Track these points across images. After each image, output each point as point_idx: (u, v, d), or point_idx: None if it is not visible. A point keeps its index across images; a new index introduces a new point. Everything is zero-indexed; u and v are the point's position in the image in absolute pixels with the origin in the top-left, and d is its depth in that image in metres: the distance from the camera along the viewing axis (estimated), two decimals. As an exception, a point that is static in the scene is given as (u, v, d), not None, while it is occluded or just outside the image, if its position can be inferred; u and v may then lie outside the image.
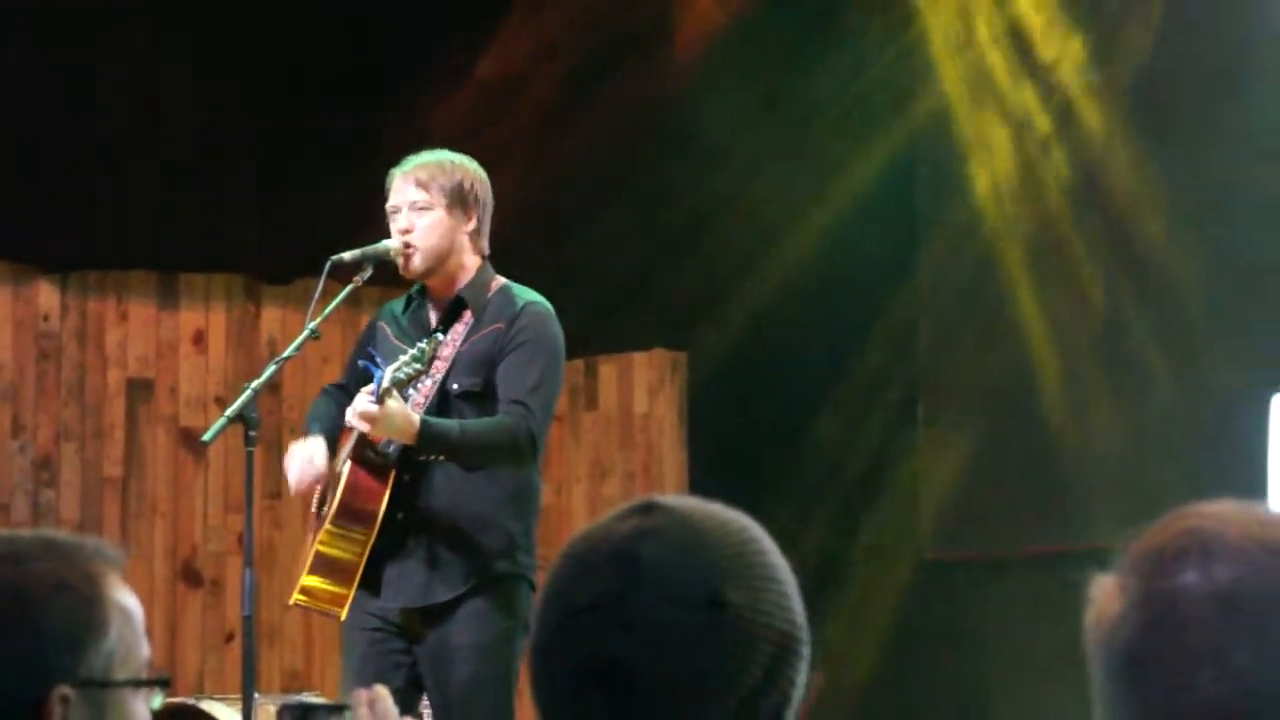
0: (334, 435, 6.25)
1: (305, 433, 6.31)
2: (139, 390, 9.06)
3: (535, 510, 6.24)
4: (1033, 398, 9.05)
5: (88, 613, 2.47)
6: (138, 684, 2.51)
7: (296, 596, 6.19)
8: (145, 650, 2.54)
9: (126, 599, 2.51)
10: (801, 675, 2.21)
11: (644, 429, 9.58)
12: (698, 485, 9.39)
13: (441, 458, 6.00)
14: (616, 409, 9.58)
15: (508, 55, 9.04)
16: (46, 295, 8.94)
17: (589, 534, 2.24)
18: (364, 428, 5.87)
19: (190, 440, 9.02)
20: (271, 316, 9.22)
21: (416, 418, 5.88)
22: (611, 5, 9.20)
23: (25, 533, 2.59)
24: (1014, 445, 9.14)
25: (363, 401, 5.82)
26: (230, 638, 8.63)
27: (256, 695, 5.87)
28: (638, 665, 2.15)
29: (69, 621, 2.46)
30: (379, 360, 5.94)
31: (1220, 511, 1.83)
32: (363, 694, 2.68)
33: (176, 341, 9.12)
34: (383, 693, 2.68)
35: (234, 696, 6.03)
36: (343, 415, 6.18)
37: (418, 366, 5.82)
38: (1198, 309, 8.62)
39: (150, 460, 9.03)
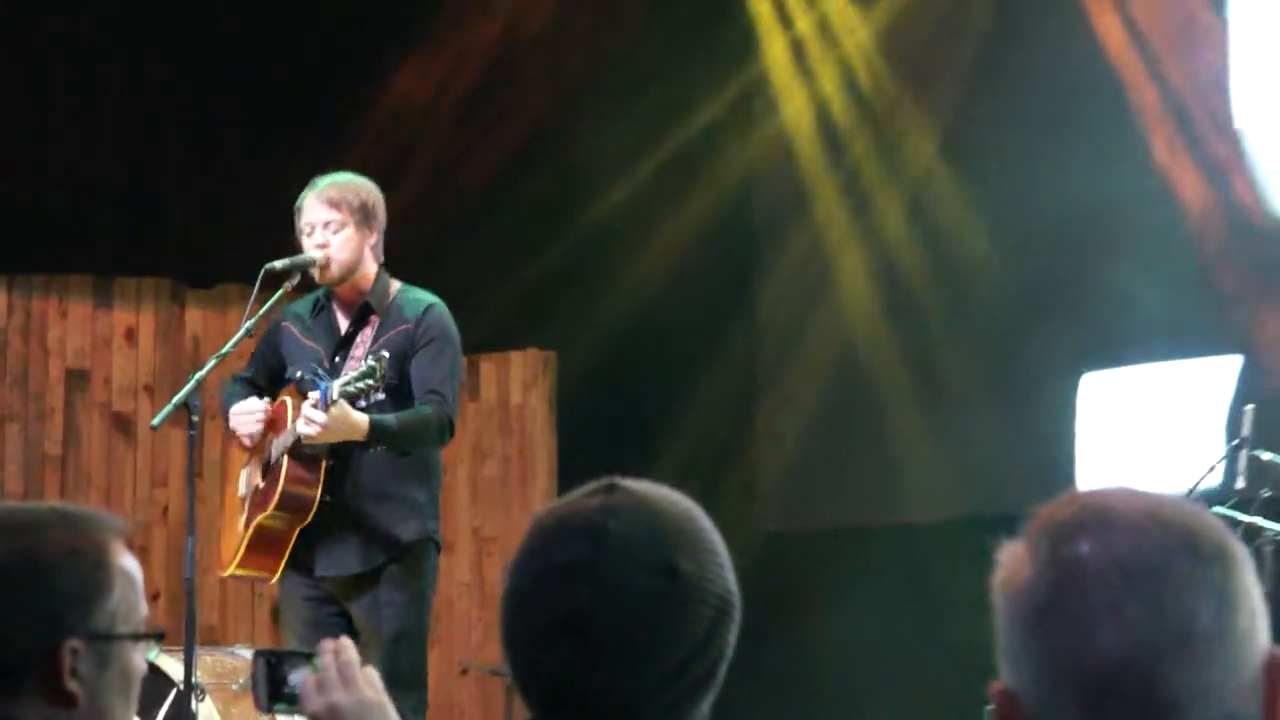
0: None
1: (224, 416, 6.31)
2: (76, 379, 9.03)
3: (438, 482, 6.30)
4: (862, 389, 9.13)
5: (95, 575, 2.45)
6: (137, 638, 2.49)
7: (234, 570, 6.27)
8: (143, 608, 2.51)
9: (128, 563, 2.49)
10: (734, 636, 2.23)
11: (519, 418, 9.60)
12: (565, 468, 9.45)
13: (382, 447, 6.03)
14: (495, 400, 9.58)
15: (409, 86, 9.01)
16: (-8, 295, 8.91)
17: (559, 508, 2.25)
18: (312, 433, 5.84)
19: (122, 424, 9.02)
20: (195, 316, 9.18)
21: (364, 419, 5.89)
22: (500, 43, 9.24)
23: (40, 504, 2.57)
24: (845, 432, 9.19)
25: (314, 414, 5.79)
26: (156, 596, 8.55)
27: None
28: (603, 619, 2.16)
29: (79, 583, 2.44)
30: (321, 373, 6.00)
31: (1113, 491, 1.83)
32: (329, 643, 2.66)
33: (110, 337, 9.09)
34: (346, 642, 2.66)
35: (168, 648, 6.03)
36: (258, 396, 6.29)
37: (369, 383, 5.78)
38: (1013, 309, 8.70)
39: (86, 441, 9.01)
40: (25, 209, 8.67)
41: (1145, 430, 7.95)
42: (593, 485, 2.26)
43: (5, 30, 8.59)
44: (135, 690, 2.58)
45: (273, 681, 2.80)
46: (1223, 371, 6.37)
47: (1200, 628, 1.75)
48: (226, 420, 6.22)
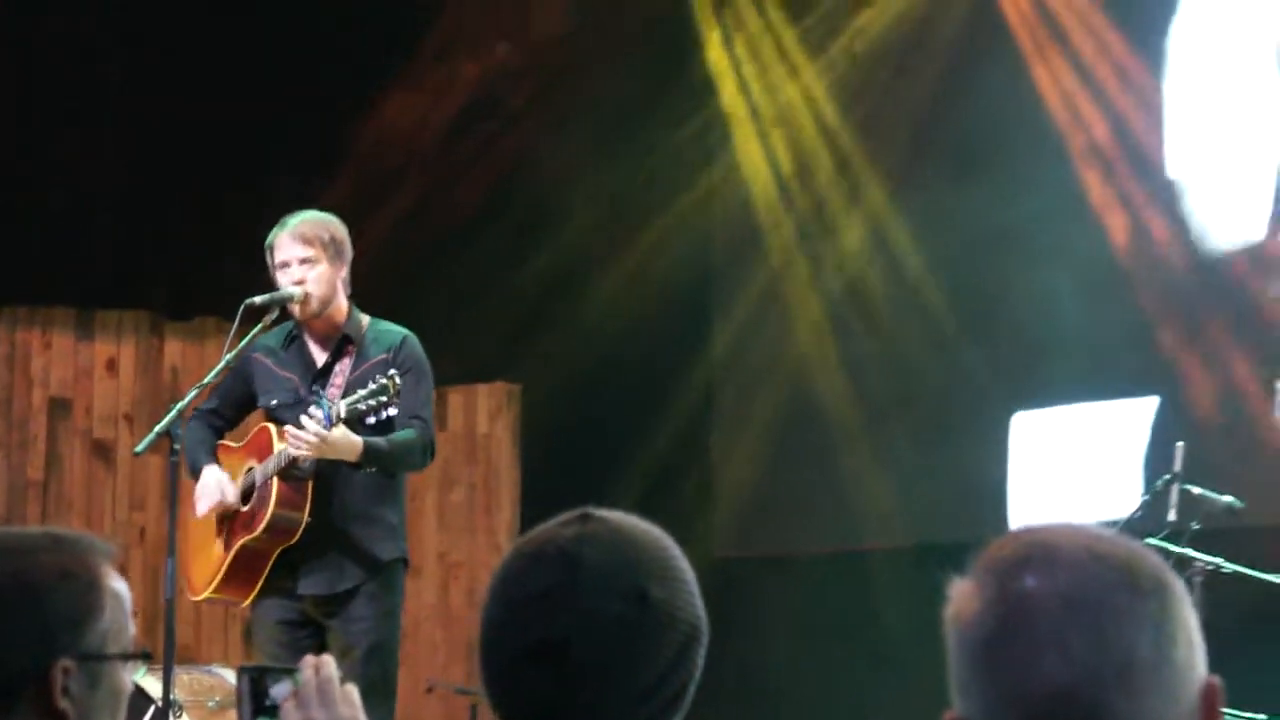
0: (214, 455, 6.32)
1: (191, 457, 6.28)
2: (59, 408, 9.03)
3: (405, 503, 6.36)
4: (812, 423, 9.14)
5: (86, 597, 2.44)
6: (126, 657, 2.48)
7: (208, 595, 6.30)
8: (131, 629, 2.52)
9: (118, 585, 2.49)
10: (702, 659, 2.24)
11: (485, 448, 9.63)
12: (528, 496, 9.47)
13: (372, 470, 6.07)
14: (462, 430, 9.59)
15: (383, 130, 9.01)
16: (-21, 327, 8.86)
17: (536, 536, 2.25)
18: (307, 451, 5.88)
19: (102, 451, 9.02)
20: (174, 348, 9.18)
21: (360, 440, 5.93)
22: (473, 87, 9.29)
23: (33, 529, 2.56)
24: (795, 464, 9.19)
25: (311, 427, 5.84)
26: (134, 615, 8.55)
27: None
28: (578, 645, 2.16)
29: (71, 604, 2.43)
30: (321, 394, 6.04)
31: (1056, 528, 1.84)
32: (310, 659, 2.63)
33: (91, 367, 9.08)
34: (326, 659, 2.63)
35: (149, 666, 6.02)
36: (217, 437, 6.33)
37: (382, 399, 5.82)
38: (953, 349, 8.72)
39: (67, 467, 9.01)
40: (10, 243, 8.66)
41: (1071, 466, 8.01)
42: (567, 515, 2.26)
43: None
44: (123, 709, 2.58)
45: (255, 696, 2.80)
46: (1142, 412, 6.42)
47: (1139, 658, 1.77)
48: (174, 449, 6.01)
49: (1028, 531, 1.86)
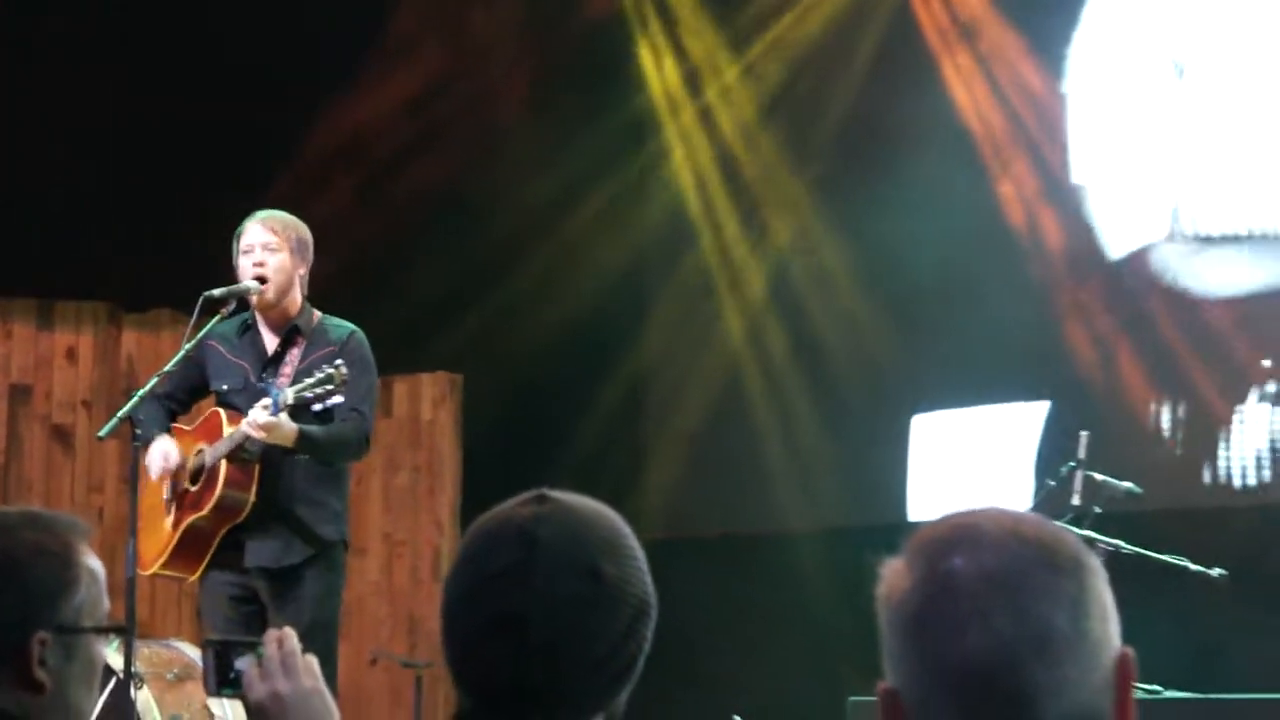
0: (168, 431, 6.29)
1: (144, 432, 6.18)
2: (20, 394, 8.98)
3: (348, 490, 6.36)
4: (739, 415, 9.17)
5: (63, 573, 2.44)
6: (100, 630, 2.50)
7: (156, 569, 6.25)
8: (106, 604, 2.51)
9: (93, 562, 2.49)
10: (650, 632, 2.23)
11: (429, 434, 9.58)
12: (469, 479, 9.45)
13: (308, 456, 6.07)
14: (407, 417, 9.57)
15: (333, 133, 9.01)
16: (-57, 316, 8.84)
17: (494, 516, 2.24)
18: (260, 435, 5.89)
19: (61, 435, 8.98)
20: (130, 338, 9.14)
21: (295, 427, 5.92)
22: (423, 93, 9.25)
23: (12, 509, 2.57)
24: (723, 452, 9.23)
25: (262, 416, 5.84)
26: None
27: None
28: (535, 620, 2.15)
29: (48, 580, 2.43)
30: (270, 382, 6.03)
31: (982, 511, 1.86)
32: (273, 633, 2.62)
33: (52, 356, 9.04)
34: (289, 633, 2.62)
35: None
36: (170, 419, 6.30)
37: (328, 388, 5.81)
38: (865, 351, 8.76)
39: (28, 450, 8.96)
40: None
41: (968, 464, 8.06)
42: (524, 495, 2.25)
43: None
44: (98, 679, 2.60)
45: (220, 668, 2.78)
46: (1035, 414, 6.48)
47: (1057, 631, 1.78)
48: (135, 435, 6.04)
49: (956, 515, 1.88)
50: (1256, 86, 8.17)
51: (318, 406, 5.89)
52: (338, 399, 5.86)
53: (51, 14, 8.73)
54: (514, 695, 2.18)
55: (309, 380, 5.85)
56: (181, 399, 6.41)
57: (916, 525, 1.90)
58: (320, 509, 6.16)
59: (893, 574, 1.85)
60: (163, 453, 6.17)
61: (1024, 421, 6.55)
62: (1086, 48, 8.66)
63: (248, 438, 5.96)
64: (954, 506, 1.93)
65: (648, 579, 2.24)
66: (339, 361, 5.89)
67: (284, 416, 5.86)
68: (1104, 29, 8.61)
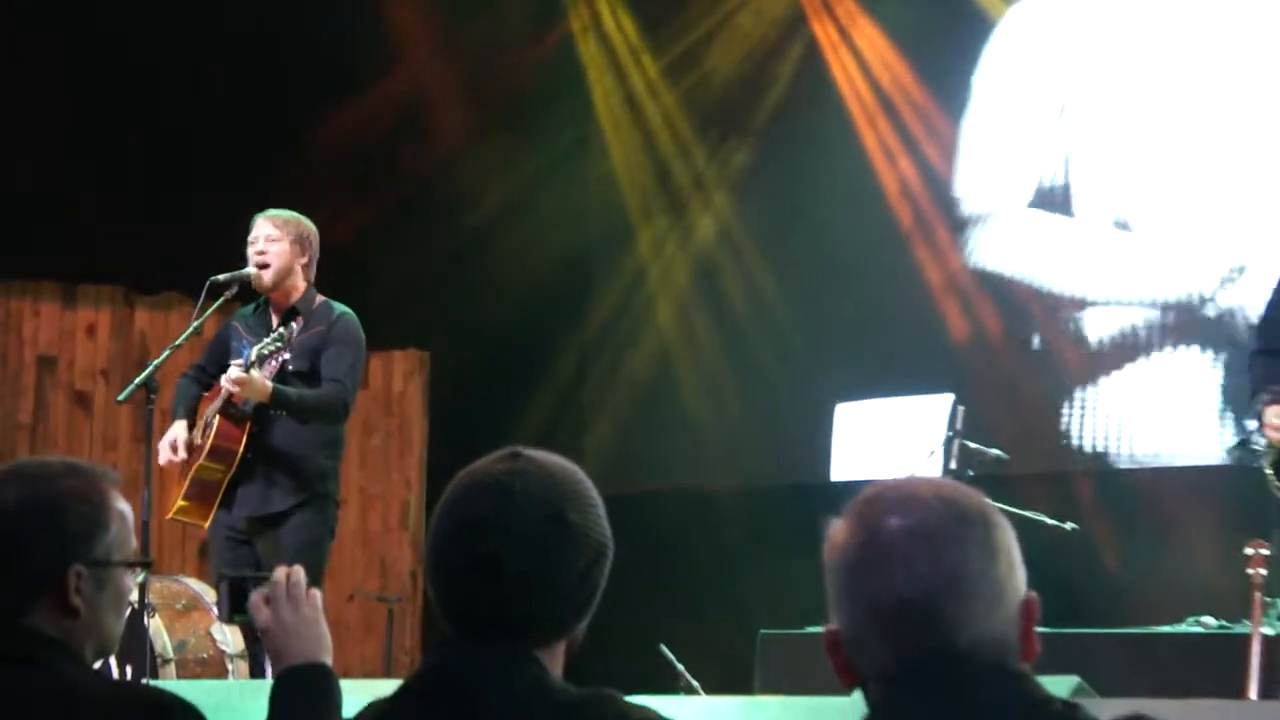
0: (194, 408, 6.25)
1: (173, 412, 6.26)
2: (46, 365, 8.89)
3: (341, 453, 6.29)
4: (671, 386, 9.15)
5: (97, 515, 2.45)
6: (129, 565, 2.50)
7: (174, 515, 6.20)
8: (133, 542, 2.52)
9: (123, 506, 2.50)
10: (607, 570, 2.24)
11: (399, 403, 9.55)
12: (434, 441, 9.43)
13: (284, 413, 6.02)
14: (380, 389, 9.50)
15: (327, 137, 8.92)
16: (-20, 296, 8.81)
17: (473, 470, 2.23)
18: (235, 390, 5.89)
19: (82, 400, 8.90)
20: (143, 317, 9.04)
21: (270, 385, 5.92)
22: (404, 100, 9.19)
23: (54, 458, 2.55)
24: (652, 420, 9.21)
25: (235, 372, 5.85)
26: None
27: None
28: (508, 559, 2.15)
29: (83, 520, 2.44)
30: (244, 346, 6.01)
31: (909, 479, 1.92)
32: (282, 569, 2.62)
33: (74, 331, 8.95)
34: (298, 569, 2.63)
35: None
36: (201, 392, 6.25)
37: (278, 344, 5.88)
38: (792, 336, 8.73)
39: (53, 413, 8.87)
40: (5, 227, 8.49)
41: (882, 445, 8.07)
42: (500, 452, 2.24)
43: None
44: (125, 607, 2.58)
45: (234, 599, 2.77)
46: (939, 406, 6.52)
47: (967, 572, 1.83)
48: (149, 399, 6.05)
49: (886, 482, 1.92)
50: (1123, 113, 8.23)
51: (273, 362, 5.90)
52: (285, 356, 5.90)
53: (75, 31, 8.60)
54: (492, 624, 2.18)
55: (266, 340, 5.88)
56: (213, 372, 6.32)
57: (835, 486, 1.92)
58: (305, 464, 6.09)
59: (836, 531, 1.89)
60: (170, 443, 6.14)
61: (926, 406, 6.58)
62: (983, 88, 8.66)
63: (230, 393, 5.94)
64: (872, 472, 1.96)
65: (606, 525, 2.24)
66: (292, 324, 5.95)
67: (255, 373, 5.86)
68: (999, 73, 8.61)
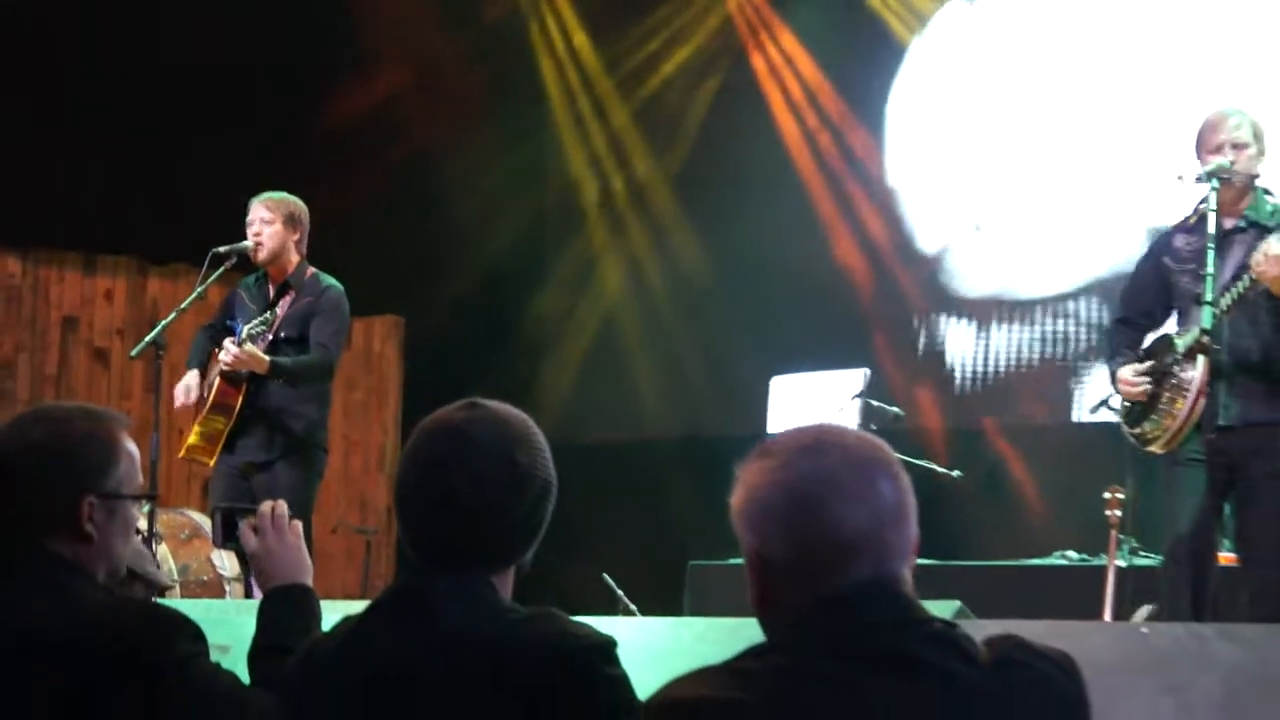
0: (206, 361, 6.21)
1: (188, 363, 6.24)
2: (70, 324, 8.83)
3: (328, 408, 6.24)
4: (613, 353, 9.14)
5: (107, 452, 2.46)
6: (136, 497, 2.50)
7: (183, 454, 6.16)
8: (139, 478, 2.53)
9: (131, 446, 2.50)
10: (552, 506, 2.23)
11: (378, 361, 9.53)
12: (408, 395, 9.40)
13: (280, 380, 6.00)
14: (361, 349, 9.47)
15: (321, 120, 8.84)
16: (12, 264, 8.69)
17: (435, 418, 2.23)
18: (229, 360, 5.88)
19: (100, 356, 8.85)
20: (155, 284, 8.99)
21: (267, 358, 5.89)
22: (397, 86, 9.12)
23: (71, 403, 2.57)
24: (601, 379, 9.20)
25: (232, 348, 5.85)
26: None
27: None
28: (466, 495, 2.15)
29: (95, 457, 2.44)
30: (238, 321, 6.01)
31: (823, 425, 1.85)
32: (268, 502, 2.62)
33: (94, 296, 8.90)
34: (281, 502, 2.63)
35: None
36: (212, 346, 6.19)
37: (263, 328, 5.89)
38: (731, 313, 8.73)
39: (74, 367, 8.81)
40: (36, 205, 8.42)
41: (809, 411, 8.08)
42: (458, 402, 2.23)
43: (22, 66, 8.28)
44: (132, 534, 2.57)
45: (226, 527, 2.78)
46: (855, 378, 6.54)
47: (893, 503, 1.79)
48: (158, 355, 6.05)
49: (807, 427, 1.86)
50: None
51: (260, 342, 5.89)
52: (269, 336, 5.90)
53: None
54: (450, 552, 2.18)
55: (254, 322, 5.90)
56: (222, 330, 6.27)
57: (765, 436, 1.87)
58: (296, 418, 6.06)
59: (767, 468, 1.82)
60: (184, 388, 6.11)
61: (845, 378, 6.56)
62: (900, 97, 8.64)
63: (226, 366, 5.93)
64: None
65: (551, 466, 2.25)
66: (277, 310, 5.95)
67: (249, 347, 5.86)
68: (917, 83, 8.61)
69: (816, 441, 1.82)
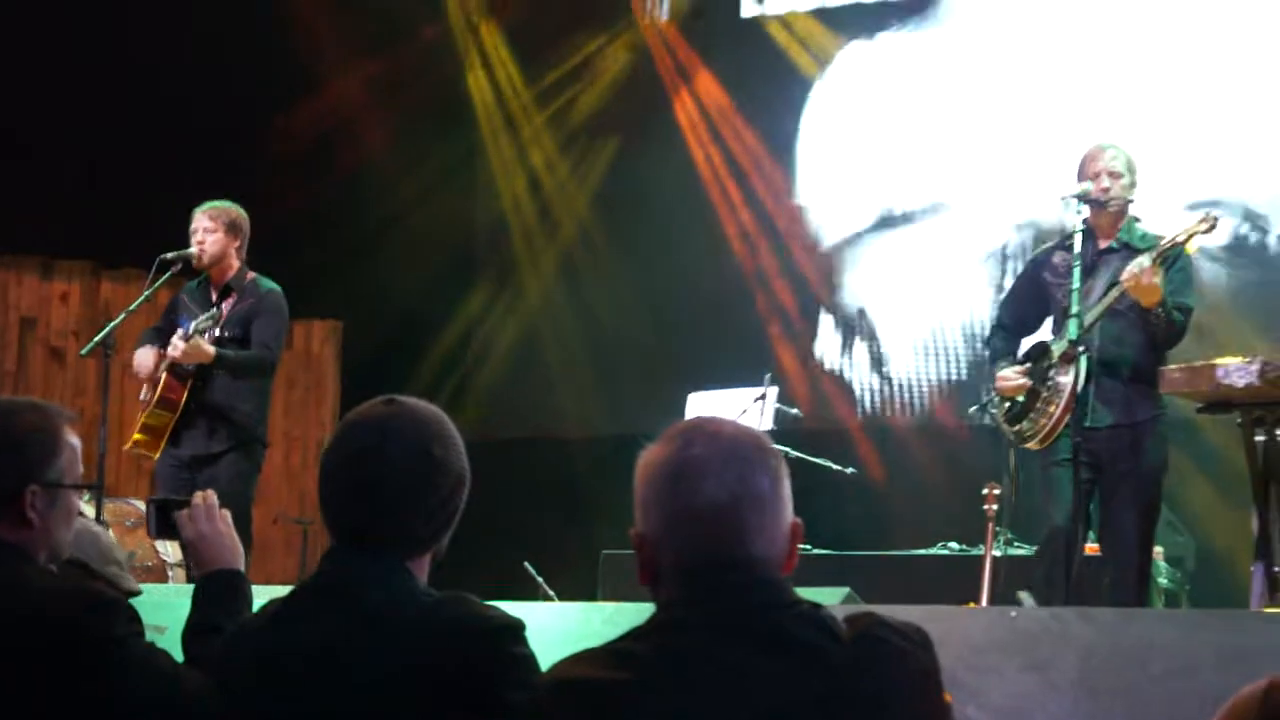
0: (158, 345, 6.10)
1: (144, 340, 6.15)
2: (27, 325, 8.71)
3: (268, 404, 6.20)
4: (539, 358, 9.13)
5: (51, 444, 2.44)
6: (76, 487, 2.49)
7: (129, 447, 6.11)
8: (80, 469, 2.51)
9: (73, 439, 2.49)
10: (465, 495, 2.22)
11: (317, 361, 9.45)
12: (344, 394, 9.32)
13: (223, 371, 5.94)
14: (302, 350, 9.40)
15: (274, 137, 8.78)
16: (-28, 267, 8.61)
17: (359, 412, 2.22)
18: (176, 354, 5.83)
19: (57, 355, 8.72)
20: (107, 287, 8.87)
21: (213, 349, 5.85)
22: (338, 105, 9.08)
23: (21, 398, 2.55)
24: (522, 382, 9.17)
25: (179, 342, 5.82)
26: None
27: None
28: (384, 484, 2.15)
29: (39, 448, 2.43)
30: (184, 319, 5.95)
31: (713, 417, 1.89)
32: (200, 493, 2.63)
33: (50, 298, 8.78)
34: (211, 492, 2.63)
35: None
36: (160, 344, 6.10)
37: (209, 323, 5.83)
38: (651, 334, 8.71)
39: (32, 364, 8.69)
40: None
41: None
42: (380, 398, 2.23)
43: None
44: (74, 522, 2.56)
45: (161, 518, 2.74)
46: (767, 393, 6.57)
47: (762, 490, 1.81)
48: (106, 355, 5.99)
49: (698, 418, 1.90)
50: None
51: (208, 336, 5.84)
52: (217, 332, 5.86)
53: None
54: (370, 538, 2.17)
55: (201, 318, 5.85)
56: (167, 331, 6.16)
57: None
58: (237, 413, 6.01)
59: (654, 450, 1.86)
60: (140, 359, 6.06)
61: (754, 393, 6.59)
62: (811, 121, 8.65)
63: (174, 358, 5.88)
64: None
65: (465, 459, 2.24)
66: (223, 307, 5.92)
67: (197, 340, 5.82)
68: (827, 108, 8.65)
69: (695, 429, 1.85)
